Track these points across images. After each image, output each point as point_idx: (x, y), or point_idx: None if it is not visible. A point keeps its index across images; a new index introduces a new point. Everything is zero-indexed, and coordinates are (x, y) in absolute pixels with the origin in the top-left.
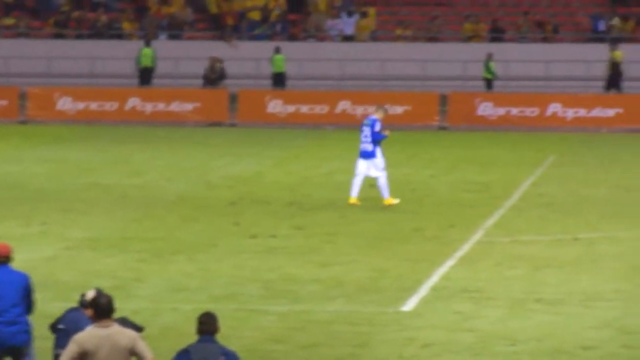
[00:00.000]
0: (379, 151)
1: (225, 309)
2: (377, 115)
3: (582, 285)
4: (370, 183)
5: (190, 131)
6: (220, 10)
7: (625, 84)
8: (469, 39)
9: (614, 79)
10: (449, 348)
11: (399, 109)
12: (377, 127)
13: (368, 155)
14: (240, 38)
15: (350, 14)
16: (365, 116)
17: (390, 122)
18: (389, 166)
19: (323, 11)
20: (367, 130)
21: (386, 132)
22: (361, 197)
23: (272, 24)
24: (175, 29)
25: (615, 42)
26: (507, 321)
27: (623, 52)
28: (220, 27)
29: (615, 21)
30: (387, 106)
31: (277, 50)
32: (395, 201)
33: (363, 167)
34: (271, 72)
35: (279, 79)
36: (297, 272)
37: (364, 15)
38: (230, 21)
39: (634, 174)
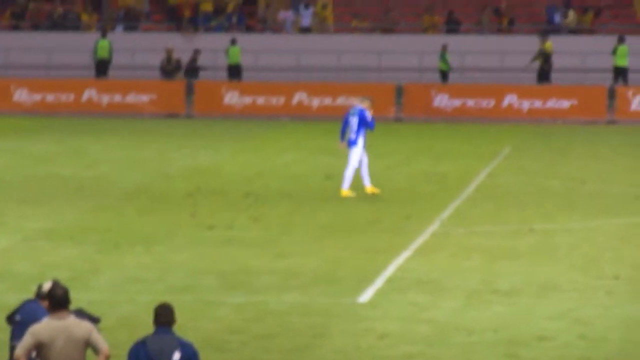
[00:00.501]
0: (361, 142)
1: (182, 300)
2: (363, 105)
3: (537, 276)
4: (327, 174)
5: (147, 123)
6: (176, 1)
7: (582, 76)
8: (424, 30)
9: (545, 70)
10: (405, 339)
11: (354, 101)
12: (369, 116)
13: (351, 143)
14: (196, 30)
15: (306, 5)
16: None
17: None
18: (346, 156)
19: (279, 3)
20: (354, 120)
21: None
22: (316, 188)
23: (228, 16)
24: (132, 21)
25: (545, 33)
26: (463, 312)
27: (552, 43)
28: (176, 18)
29: (570, 15)
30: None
31: (233, 42)
32: (352, 194)
33: (354, 157)
34: (227, 64)
35: (235, 71)
36: (254, 263)
37: (324, 7)
38: (186, 13)
39: (589, 165)
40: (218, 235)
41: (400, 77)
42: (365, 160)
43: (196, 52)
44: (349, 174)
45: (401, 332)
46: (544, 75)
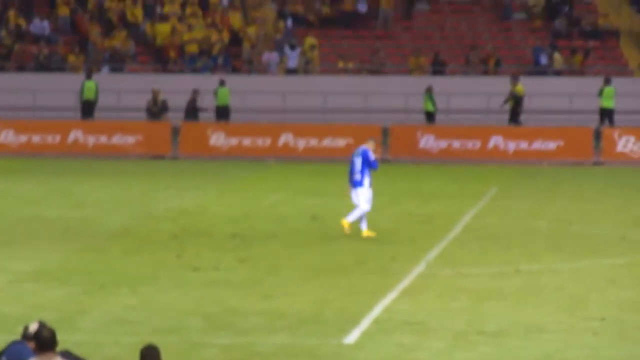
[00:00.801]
0: (367, 182)
1: (168, 342)
2: (368, 146)
3: (524, 317)
4: (313, 215)
5: (133, 164)
6: (162, 43)
7: (568, 117)
8: (410, 71)
9: (515, 112)
10: None
11: (340, 142)
12: (372, 157)
13: (356, 184)
14: (181, 71)
15: (292, 46)
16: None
17: (331, 155)
18: (332, 196)
19: (264, 43)
20: (357, 161)
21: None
22: (302, 229)
23: (214, 57)
24: (118, 62)
25: (516, 76)
26: (450, 353)
27: (524, 86)
28: (162, 60)
29: (556, 56)
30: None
31: (222, 83)
32: (347, 230)
33: (355, 197)
34: (215, 105)
35: (223, 112)
36: (240, 304)
37: (313, 48)
38: (171, 54)
39: (575, 206)
40: (204, 277)
41: (386, 118)
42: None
43: (195, 93)
44: (361, 212)
45: None
46: (514, 117)
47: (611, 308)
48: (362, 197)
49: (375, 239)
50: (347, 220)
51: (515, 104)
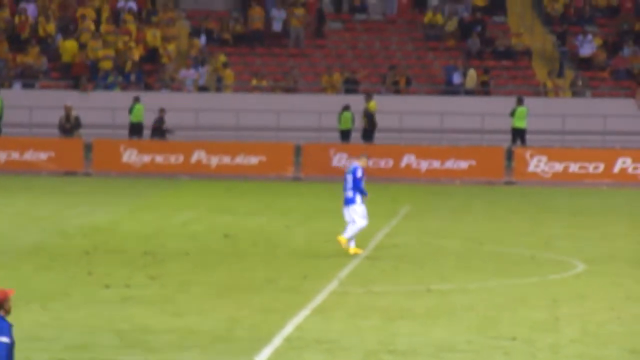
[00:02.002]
0: (359, 198)
1: (79, 359)
2: (359, 163)
3: (434, 336)
4: (225, 233)
5: (45, 180)
6: (71, 59)
7: (480, 136)
8: (323, 90)
9: (369, 130)
10: None
11: (253, 160)
12: (359, 174)
13: (348, 201)
14: (94, 87)
15: (202, 63)
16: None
17: (244, 172)
18: (245, 214)
19: (179, 61)
20: (349, 178)
21: (367, 196)
22: (214, 247)
23: (127, 74)
24: (30, 78)
25: (369, 94)
26: None
27: (376, 103)
28: (75, 76)
29: (471, 73)
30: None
31: (137, 100)
32: (360, 251)
33: (348, 215)
34: (129, 122)
35: (136, 129)
36: (151, 321)
37: (225, 65)
38: (84, 71)
39: (486, 225)
40: (115, 294)
41: (299, 136)
42: (352, 221)
43: (162, 111)
44: (355, 229)
45: None
46: (367, 134)
47: (522, 328)
48: (357, 214)
49: (287, 257)
50: (344, 237)
51: (368, 121)
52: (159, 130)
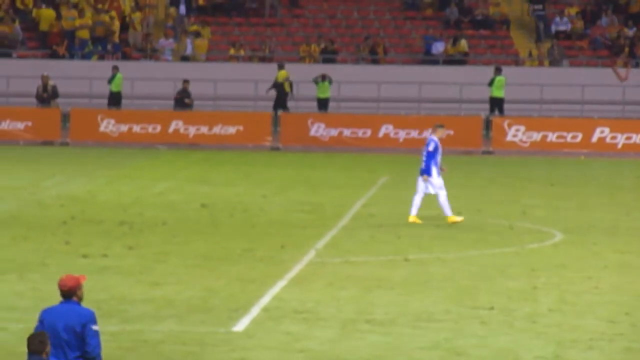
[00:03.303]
0: (434, 169)
1: None
2: (435, 135)
3: (412, 306)
4: (203, 203)
5: (22, 150)
6: (51, 29)
7: (458, 106)
8: (301, 59)
9: (280, 98)
10: None
11: (231, 129)
12: (431, 147)
13: (422, 172)
14: (71, 57)
15: (188, 33)
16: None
17: (222, 142)
18: (222, 184)
19: (155, 30)
20: (425, 150)
21: (443, 169)
22: (191, 217)
23: (104, 43)
24: (6, 48)
25: (282, 63)
26: (338, 342)
27: (287, 72)
28: (51, 45)
29: (463, 42)
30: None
31: (116, 69)
32: (459, 219)
33: (422, 185)
34: (109, 91)
35: (116, 98)
36: (129, 291)
37: (197, 35)
38: (59, 40)
39: (464, 195)
40: (93, 263)
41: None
42: (424, 191)
43: (186, 83)
44: (442, 201)
45: None
46: (279, 103)
47: (500, 297)
48: (435, 187)
49: (264, 227)
50: (448, 215)
51: (278, 91)
52: (181, 101)
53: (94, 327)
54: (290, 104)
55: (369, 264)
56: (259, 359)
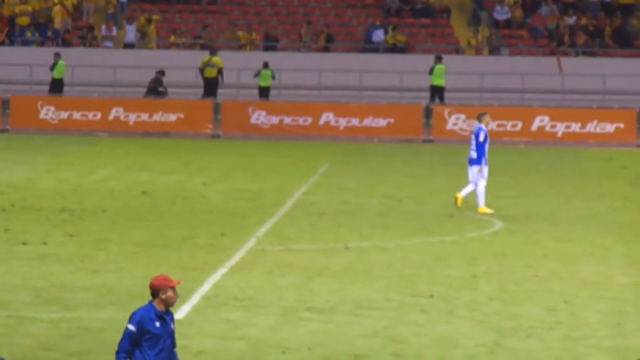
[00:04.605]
0: (483, 159)
1: None
2: (482, 123)
3: (353, 294)
4: (143, 190)
5: None
6: None
7: (398, 94)
8: (242, 47)
9: (210, 84)
10: (220, 356)
11: (172, 117)
12: (481, 137)
13: (473, 162)
14: (11, 43)
15: (129, 20)
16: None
17: (164, 130)
18: (163, 172)
19: (96, 17)
20: (473, 139)
21: (479, 167)
22: (132, 204)
23: (44, 30)
24: None
25: (214, 49)
26: (278, 329)
27: (220, 59)
28: None
29: (392, 32)
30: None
31: (59, 56)
32: (489, 210)
33: (476, 175)
34: (51, 78)
35: (58, 85)
36: (69, 279)
37: (149, 22)
38: (1, 26)
39: (405, 183)
40: (32, 251)
41: (219, 93)
42: (476, 181)
43: (160, 73)
44: (479, 191)
45: (216, 349)
46: (209, 89)
47: (440, 285)
48: (476, 175)
49: (205, 214)
50: (480, 206)
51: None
52: (155, 90)
53: (128, 325)
54: (231, 91)
55: (309, 251)
56: (199, 346)
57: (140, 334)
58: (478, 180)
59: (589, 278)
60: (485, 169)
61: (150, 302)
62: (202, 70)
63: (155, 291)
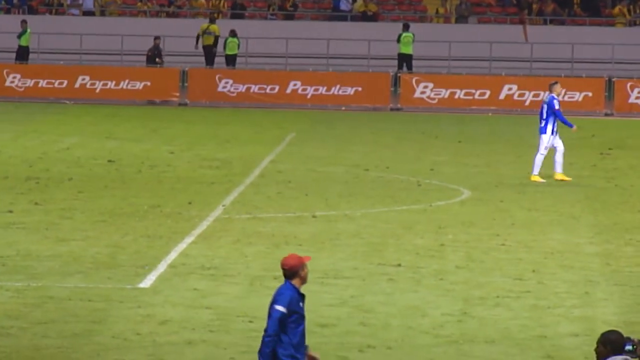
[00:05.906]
0: (550, 129)
1: None
2: (554, 92)
3: (320, 263)
4: (109, 158)
5: None
6: None
7: (366, 62)
8: (210, 15)
9: (208, 53)
10: (187, 325)
11: (138, 85)
12: (556, 105)
13: (540, 130)
14: None
15: None
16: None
17: (130, 98)
18: (129, 140)
19: None
20: (544, 108)
21: (573, 128)
22: (98, 172)
23: None
24: None
25: (213, 17)
26: (245, 298)
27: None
28: None
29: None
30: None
31: (26, 24)
32: (542, 180)
33: (551, 142)
34: (18, 45)
35: (25, 53)
36: (35, 247)
37: None
38: None
39: (372, 152)
40: None
41: (185, 61)
42: (561, 148)
43: (157, 40)
44: (537, 160)
45: (182, 318)
46: (208, 58)
47: (407, 254)
48: (542, 143)
49: (171, 183)
50: (534, 174)
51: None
52: (153, 58)
53: (276, 307)
54: (198, 59)
55: (276, 220)
56: (165, 315)
57: (288, 315)
58: (549, 147)
59: (557, 247)
60: (552, 139)
61: (289, 282)
62: (198, 37)
63: (293, 271)
